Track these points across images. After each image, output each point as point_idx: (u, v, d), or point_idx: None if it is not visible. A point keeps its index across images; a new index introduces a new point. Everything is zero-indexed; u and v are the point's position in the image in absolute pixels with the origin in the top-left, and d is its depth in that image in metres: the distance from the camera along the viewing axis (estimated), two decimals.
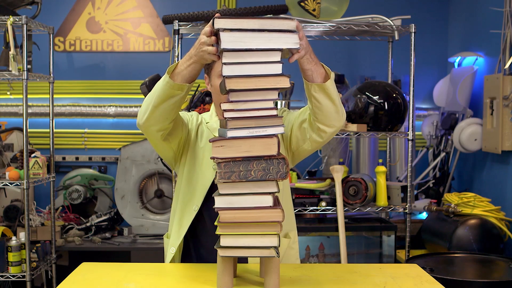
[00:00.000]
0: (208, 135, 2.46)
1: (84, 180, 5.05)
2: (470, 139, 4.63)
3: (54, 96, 4.56)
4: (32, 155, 4.15)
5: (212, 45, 2.02)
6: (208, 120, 2.53)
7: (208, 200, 2.37)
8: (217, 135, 2.39)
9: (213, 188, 2.36)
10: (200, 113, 2.62)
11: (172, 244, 2.45)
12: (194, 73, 2.17)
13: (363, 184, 3.94)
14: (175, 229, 2.45)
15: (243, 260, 2.29)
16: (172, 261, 2.45)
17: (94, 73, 5.66)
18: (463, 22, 5.37)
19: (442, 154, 5.06)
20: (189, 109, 3.76)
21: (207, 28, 2.02)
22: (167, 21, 4.13)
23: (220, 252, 1.91)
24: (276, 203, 1.91)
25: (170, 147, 2.41)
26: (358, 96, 4.03)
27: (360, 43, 5.42)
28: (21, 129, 4.64)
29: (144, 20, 5.65)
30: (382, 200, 4.03)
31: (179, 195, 2.48)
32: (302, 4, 4.00)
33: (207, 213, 2.41)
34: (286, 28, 1.86)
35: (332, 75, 2.22)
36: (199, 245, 2.46)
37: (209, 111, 2.61)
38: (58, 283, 3.81)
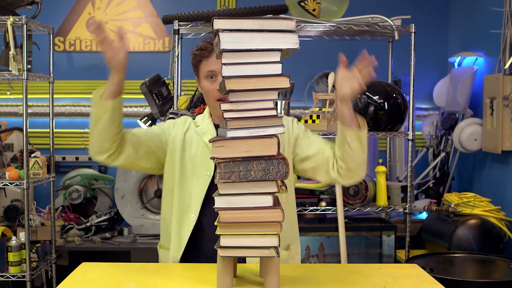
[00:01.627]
0: (198, 141, 2.42)
1: (84, 180, 5.05)
2: (470, 139, 4.63)
3: (54, 96, 4.56)
4: (32, 155, 4.15)
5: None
6: (200, 123, 2.48)
7: (205, 208, 2.35)
8: (206, 139, 2.38)
9: (208, 195, 2.34)
10: (200, 113, 2.60)
11: (174, 257, 2.41)
12: (113, 87, 2.20)
13: (363, 184, 3.95)
14: (175, 242, 2.41)
15: (241, 259, 2.29)
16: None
17: (94, 73, 5.65)
18: (463, 22, 5.37)
19: (442, 154, 5.06)
20: (189, 109, 3.76)
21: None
22: (167, 21, 4.13)
23: (220, 252, 1.91)
24: (276, 203, 1.91)
25: (139, 166, 2.41)
26: (358, 96, 4.02)
27: (360, 43, 5.42)
28: (21, 129, 4.64)
29: (144, 20, 5.65)
30: (382, 200, 4.03)
31: (174, 205, 2.43)
32: (302, 4, 4.00)
33: (205, 221, 2.38)
34: (286, 28, 1.86)
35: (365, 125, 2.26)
36: (200, 254, 2.42)
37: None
38: (58, 283, 3.81)
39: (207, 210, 2.34)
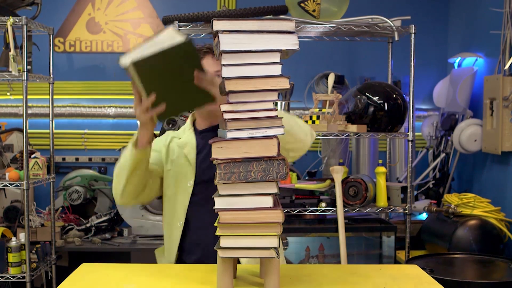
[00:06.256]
0: (178, 154, 2.54)
1: (84, 181, 5.05)
2: (470, 139, 4.63)
3: (54, 96, 4.56)
4: (32, 155, 4.15)
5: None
6: (181, 135, 2.59)
7: (190, 214, 2.51)
8: (186, 150, 2.51)
9: (190, 203, 2.49)
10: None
11: (169, 260, 2.56)
12: (145, 140, 2.27)
13: (363, 185, 3.95)
14: (168, 246, 2.57)
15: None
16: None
17: (94, 74, 5.66)
18: (463, 23, 5.37)
19: (442, 155, 5.06)
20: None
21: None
22: (167, 21, 4.13)
23: (220, 253, 1.91)
24: (276, 204, 1.91)
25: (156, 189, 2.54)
26: (358, 96, 4.03)
27: (360, 43, 5.43)
28: (21, 130, 4.64)
29: (144, 21, 5.65)
30: (382, 201, 4.03)
31: (164, 212, 2.60)
32: (302, 5, 4.00)
33: (191, 226, 2.52)
34: (285, 29, 1.86)
35: None
36: (192, 256, 2.53)
37: None
38: (58, 284, 3.81)
39: (192, 216, 2.50)
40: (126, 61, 2.02)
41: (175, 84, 2.16)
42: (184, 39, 2.01)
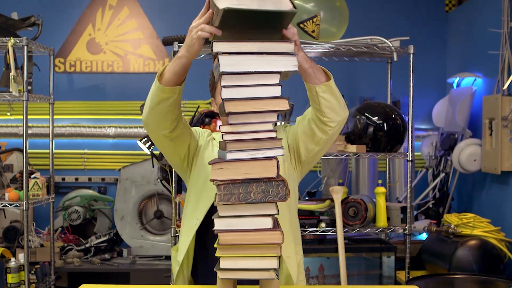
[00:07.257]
0: (217, 152, 2.49)
1: (83, 201, 5.04)
2: (470, 159, 4.64)
3: (54, 117, 4.57)
4: (32, 176, 4.15)
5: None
6: (219, 139, 2.55)
7: (211, 215, 2.39)
8: None
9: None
10: None
11: (180, 255, 2.49)
12: (181, 72, 2.15)
13: (362, 205, 3.94)
14: (182, 240, 2.50)
15: (255, 282, 2.28)
16: (180, 271, 2.48)
17: (94, 94, 5.68)
18: (461, 43, 5.40)
19: (442, 175, 5.06)
20: None
21: (202, 11, 2.02)
22: (167, 42, 4.15)
23: (220, 275, 1.90)
24: (276, 225, 1.91)
25: (177, 152, 2.42)
26: (358, 117, 4.03)
27: (359, 64, 5.44)
28: (21, 150, 4.64)
29: (144, 41, 5.68)
30: (381, 221, 4.02)
31: (187, 207, 2.51)
32: (301, 25, 4.02)
33: (209, 227, 2.43)
34: (285, 51, 1.87)
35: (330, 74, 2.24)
36: (205, 256, 2.48)
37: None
38: None
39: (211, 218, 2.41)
40: (222, 5, 1.85)
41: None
42: (289, 9, 1.87)
